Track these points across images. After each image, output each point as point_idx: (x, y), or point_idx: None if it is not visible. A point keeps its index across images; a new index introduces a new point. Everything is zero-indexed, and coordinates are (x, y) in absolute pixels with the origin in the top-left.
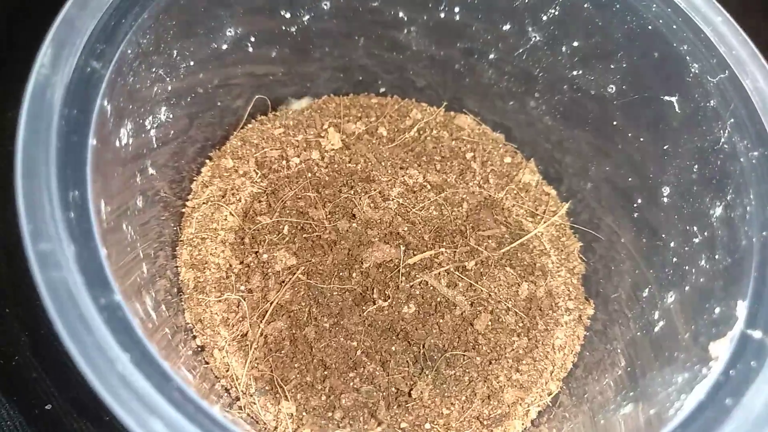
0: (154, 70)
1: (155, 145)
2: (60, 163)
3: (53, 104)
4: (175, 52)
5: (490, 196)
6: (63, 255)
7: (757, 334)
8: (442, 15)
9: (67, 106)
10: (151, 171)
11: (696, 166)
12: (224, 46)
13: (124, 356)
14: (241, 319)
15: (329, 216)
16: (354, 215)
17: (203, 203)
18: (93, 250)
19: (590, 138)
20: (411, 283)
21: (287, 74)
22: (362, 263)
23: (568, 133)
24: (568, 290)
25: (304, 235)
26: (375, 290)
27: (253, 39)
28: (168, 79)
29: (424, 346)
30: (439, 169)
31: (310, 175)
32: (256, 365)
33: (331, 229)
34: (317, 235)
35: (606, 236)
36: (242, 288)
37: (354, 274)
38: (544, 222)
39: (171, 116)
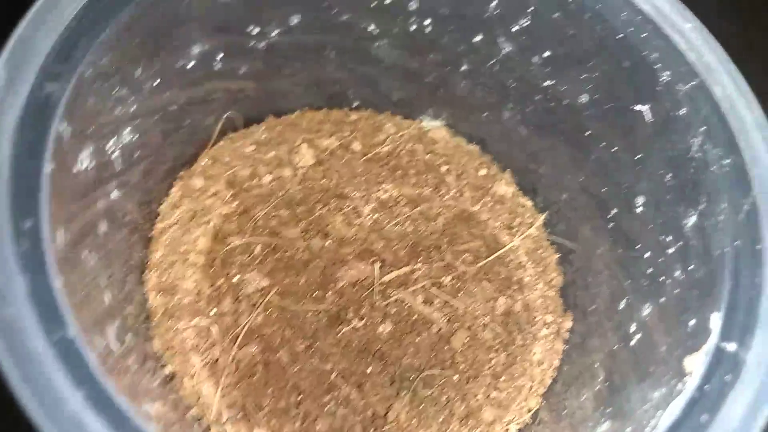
0: (116, 90)
1: (119, 168)
2: (12, 192)
3: (4, 129)
4: (138, 71)
5: (465, 209)
6: (14, 290)
7: (731, 347)
8: (413, 27)
9: (21, 131)
10: (115, 194)
11: (669, 175)
12: (191, 64)
13: (76, 394)
14: (212, 344)
15: (303, 234)
16: (328, 233)
17: (172, 225)
18: (47, 282)
19: (564, 148)
20: (386, 302)
21: (258, 90)
22: (337, 282)
23: (543, 143)
24: (546, 303)
25: (277, 255)
26: (350, 310)
27: (221, 56)
28: (131, 99)
29: (400, 366)
30: (414, 183)
31: (282, 193)
32: (228, 392)
33: (304, 248)
34: (290, 255)
35: (583, 247)
36: (213, 312)
37: (328, 294)
38: (521, 234)
39: (136, 137)
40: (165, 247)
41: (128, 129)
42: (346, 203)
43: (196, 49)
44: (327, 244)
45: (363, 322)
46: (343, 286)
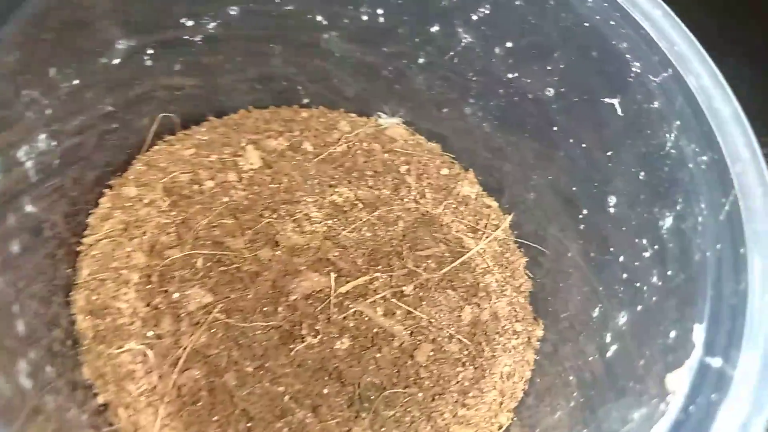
0: (26, 92)
1: (34, 179)
2: None
3: None
4: (52, 70)
5: (427, 212)
6: None
7: (716, 362)
8: (365, 18)
9: None
10: (31, 208)
11: (642, 173)
12: (116, 61)
13: None
14: (149, 370)
15: (249, 244)
16: (278, 242)
17: (102, 239)
18: None
19: (531, 144)
20: (344, 315)
21: (197, 88)
22: (288, 296)
23: (508, 139)
24: (515, 311)
25: (221, 268)
26: (304, 325)
27: (150, 51)
28: (46, 101)
29: (359, 386)
30: (372, 186)
31: (226, 199)
32: (168, 422)
33: (251, 259)
34: (236, 267)
35: (553, 249)
36: (150, 334)
37: (280, 309)
38: (486, 237)
39: (54, 144)
40: (94, 263)
41: (43, 135)
42: (298, 209)
43: (120, 45)
44: (277, 254)
45: (318, 338)
46: (295, 299)
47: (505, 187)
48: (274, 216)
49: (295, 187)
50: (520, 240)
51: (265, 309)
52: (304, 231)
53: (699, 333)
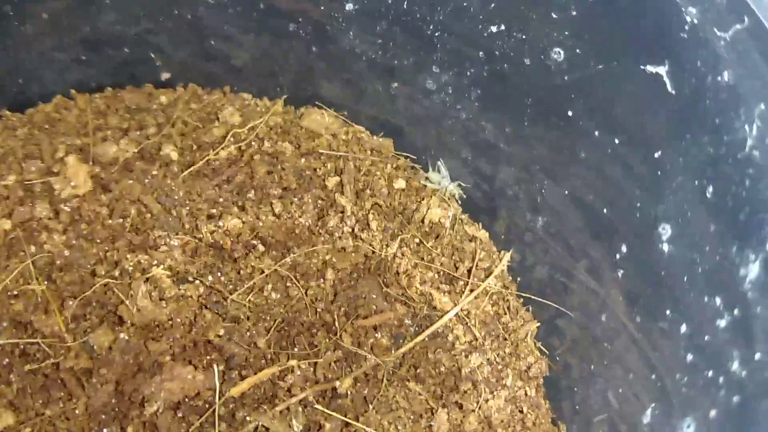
0: None
1: None
2: None
3: None
4: None
5: (373, 252)
6: None
7: None
8: None
9: None
10: None
11: (711, 189)
12: None
13: None
14: None
15: (74, 325)
16: (122, 317)
17: None
18: None
19: (536, 138)
20: None
21: None
22: (143, 407)
23: (498, 131)
24: (522, 411)
25: (28, 367)
26: None
27: None
28: None
29: None
30: (280, 213)
31: (34, 249)
32: None
33: (77, 348)
34: (52, 364)
35: (579, 306)
36: None
37: (130, 430)
38: (471, 291)
39: None
40: None
41: None
42: (156, 259)
43: None
44: (122, 337)
45: None
46: (156, 412)
47: (499, 206)
48: (116, 273)
49: (149, 222)
50: (525, 294)
51: (104, 431)
52: (167, 296)
53: None
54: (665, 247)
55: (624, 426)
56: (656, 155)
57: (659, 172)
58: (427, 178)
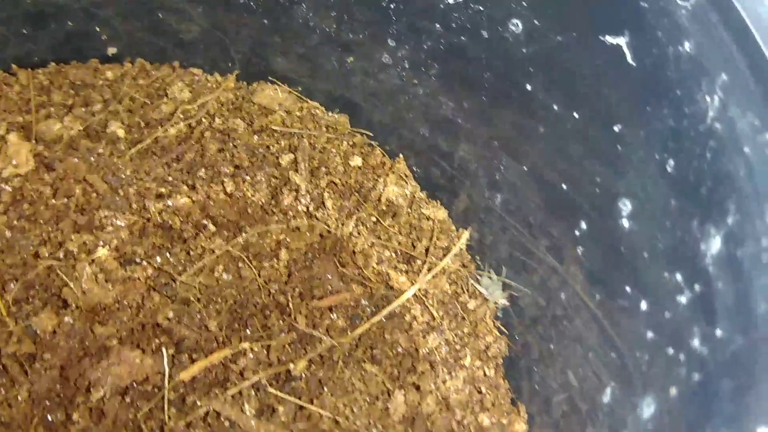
0: None
1: None
2: None
3: None
4: None
5: (329, 231)
6: None
7: None
8: None
9: None
10: None
11: (671, 162)
12: None
13: None
14: None
15: (15, 309)
16: (66, 300)
17: None
18: None
19: (495, 114)
20: (187, 419)
21: None
22: (90, 392)
23: (456, 106)
24: (480, 392)
25: None
26: None
27: None
28: None
29: None
30: (232, 192)
31: None
32: None
33: (20, 333)
34: None
35: (540, 285)
36: None
37: (76, 416)
38: (430, 270)
39: None
40: None
41: None
42: (101, 239)
43: None
44: (66, 321)
45: None
46: (102, 397)
47: (458, 184)
48: (60, 255)
49: (95, 202)
50: (484, 274)
51: (49, 419)
52: (113, 278)
53: None
54: (625, 223)
55: (584, 405)
56: (616, 129)
57: (619, 147)
58: (478, 281)
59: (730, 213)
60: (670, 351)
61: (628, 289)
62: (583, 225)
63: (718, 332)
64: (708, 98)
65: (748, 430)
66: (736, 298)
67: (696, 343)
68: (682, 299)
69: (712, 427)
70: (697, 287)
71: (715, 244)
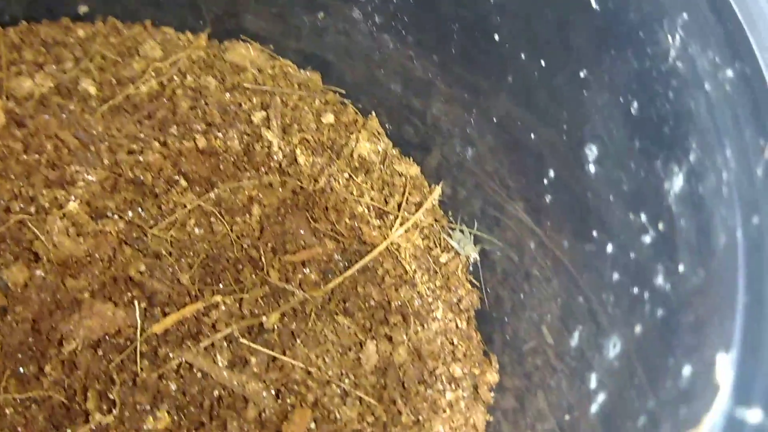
0: None
1: None
2: None
3: None
4: None
5: (301, 187)
6: None
7: (753, 415)
8: None
9: None
10: None
11: (635, 104)
12: None
13: None
14: None
15: None
16: (37, 254)
17: None
18: None
19: (463, 67)
20: (160, 371)
21: None
22: (62, 345)
23: (427, 61)
24: (452, 343)
25: None
26: (90, 394)
27: None
28: None
29: None
30: (204, 148)
31: None
32: None
33: None
34: None
35: (511, 237)
36: None
37: (48, 369)
38: (402, 224)
39: None
40: None
41: None
42: (73, 194)
43: None
44: (38, 274)
45: (115, 413)
46: (75, 350)
47: (430, 140)
48: (31, 209)
49: (66, 158)
50: (455, 227)
51: (21, 371)
52: (85, 231)
53: (725, 368)
54: (592, 168)
55: (552, 351)
56: (582, 74)
57: (585, 92)
58: (450, 235)
59: (691, 150)
60: (635, 290)
61: (595, 233)
62: (551, 173)
63: (681, 268)
64: (669, 38)
65: (708, 358)
66: (698, 233)
67: (660, 280)
68: (647, 239)
69: (675, 359)
70: (660, 226)
71: (677, 182)
